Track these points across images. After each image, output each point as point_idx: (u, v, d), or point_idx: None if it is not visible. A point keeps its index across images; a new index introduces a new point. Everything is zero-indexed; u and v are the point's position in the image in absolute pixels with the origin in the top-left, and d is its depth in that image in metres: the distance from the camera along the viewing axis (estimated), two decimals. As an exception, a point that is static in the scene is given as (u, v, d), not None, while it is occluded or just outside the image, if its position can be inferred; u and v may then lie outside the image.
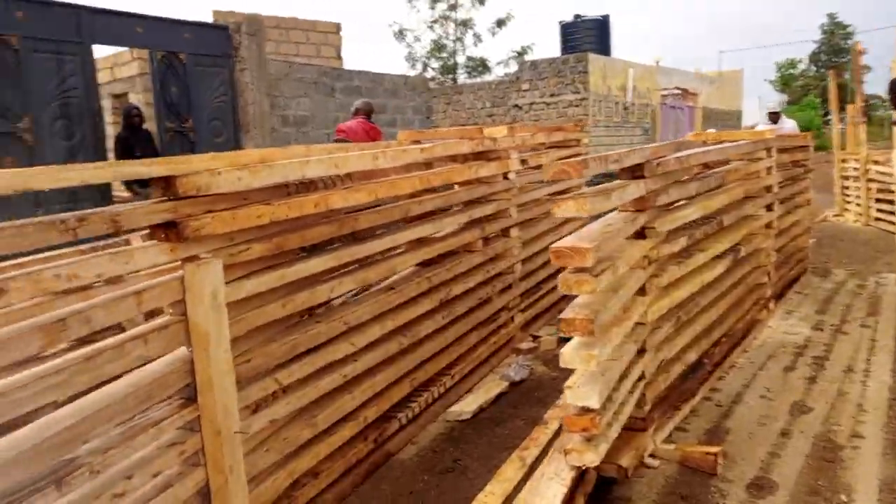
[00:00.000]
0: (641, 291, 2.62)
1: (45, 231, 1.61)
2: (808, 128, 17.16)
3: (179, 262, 1.93)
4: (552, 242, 2.04)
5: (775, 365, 3.80)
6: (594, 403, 2.03)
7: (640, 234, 2.61)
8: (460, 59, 22.94)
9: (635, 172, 2.57)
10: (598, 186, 2.24)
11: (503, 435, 3.11)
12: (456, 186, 3.64)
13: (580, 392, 2.03)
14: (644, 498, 2.52)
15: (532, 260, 4.40)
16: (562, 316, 1.96)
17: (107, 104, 10.57)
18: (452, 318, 3.41)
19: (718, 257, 3.61)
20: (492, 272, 3.79)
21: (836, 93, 10.90)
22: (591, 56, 16.97)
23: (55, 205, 6.38)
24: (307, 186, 2.55)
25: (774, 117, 9.20)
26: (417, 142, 3.76)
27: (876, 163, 8.75)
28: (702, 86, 23.83)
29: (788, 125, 9.18)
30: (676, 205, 3.04)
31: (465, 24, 23.06)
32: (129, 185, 6.94)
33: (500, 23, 23.39)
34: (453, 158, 3.62)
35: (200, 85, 8.39)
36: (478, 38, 22.83)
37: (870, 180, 8.87)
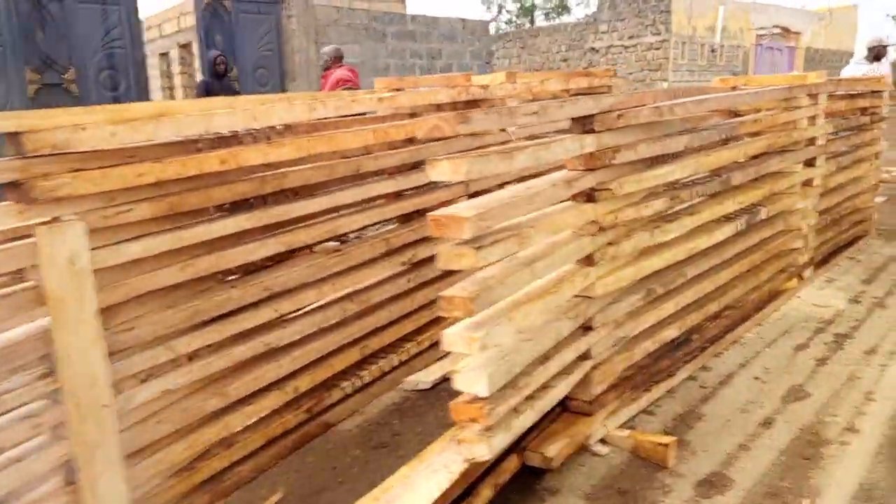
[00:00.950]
0: (589, 261, 2.33)
1: None
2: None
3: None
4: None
5: (787, 342, 3.39)
6: (482, 391, 1.80)
7: (590, 197, 2.29)
8: None
9: (586, 125, 2.25)
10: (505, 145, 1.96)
11: (458, 408, 2.92)
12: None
13: (466, 378, 1.81)
14: (575, 490, 2.28)
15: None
16: (442, 293, 1.73)
17: (174, 54, 10.75)
18: (421, 283, 3.21)
19: (722, 220, 3.21)
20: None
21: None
22: (675, -7, 15.82)
23: None
24: (227, 141, 2.40)
25: (876, 54, 7.39)
26: (399, 90, 3.51)
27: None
28: (807, 24, 21.77)
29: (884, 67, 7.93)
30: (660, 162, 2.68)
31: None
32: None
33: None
34: (439, 108, 3.35)
35: (246, 32, 8.37)
36: (557, -25, 21.73)
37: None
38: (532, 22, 21.50)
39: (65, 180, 1.84)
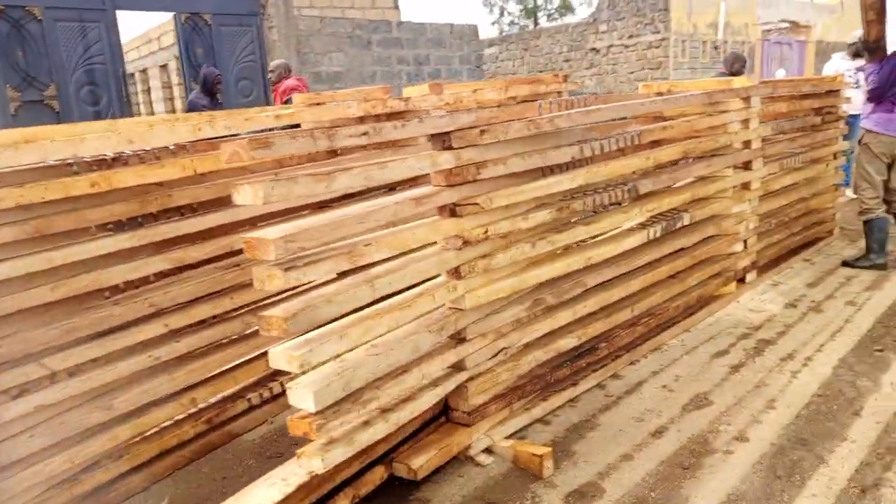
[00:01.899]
0: (456, 274, 2.36)
1: None
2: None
3: None
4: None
5: (708, 349, 3.38)
6: (310, 407, 1.84)
7: (453, 212, 2.32)
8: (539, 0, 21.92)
9: (444, 142, 2.29)
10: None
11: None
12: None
13: (296, 394, 1.85)
14: (445, 501, 2.31)
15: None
16: (260, 313, 1.78)
17: (155, 73, 10.95)
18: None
19: (634, 228, 3.22)
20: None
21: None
22: (674, -9, 15.68)
23: None
24: (109, 163, 2.47)
25: (855, 51, 6.97)
26: (319, 104, 3.56)
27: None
28: (817, 16, 21.42)
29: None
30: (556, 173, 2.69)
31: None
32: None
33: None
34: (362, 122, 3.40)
35: (227, 45, 8.49)
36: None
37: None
38: (536, 23, 21.47)
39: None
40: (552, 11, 22.14)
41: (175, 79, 9.45)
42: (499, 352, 2.57)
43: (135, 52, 11.96)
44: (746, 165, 4.06)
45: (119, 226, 2.50)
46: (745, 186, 4.08)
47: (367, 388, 2.04)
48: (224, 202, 2.85)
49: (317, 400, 1.83)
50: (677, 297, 3.57)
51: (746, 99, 3.93)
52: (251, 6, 8.65)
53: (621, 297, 3.17)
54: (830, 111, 5.05)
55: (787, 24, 20.17)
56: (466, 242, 2.35)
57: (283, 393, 3.04)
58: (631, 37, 16.41)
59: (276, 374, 3.06)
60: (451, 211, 2.32)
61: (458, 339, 2.42)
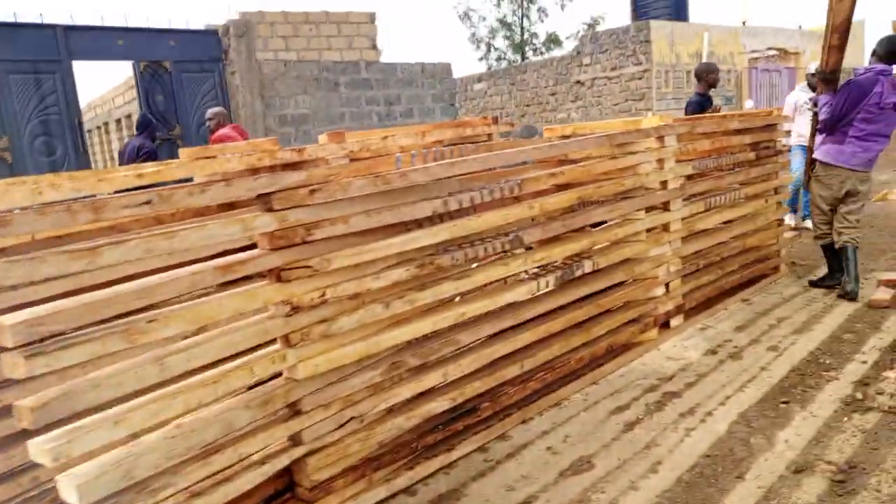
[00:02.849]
0: (286, 342, 2.23)
1: None
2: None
3: None
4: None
5: (610, 403, 3.20)
6: (74, 501, 1.70)
7: (279, 277, 2.20)
8: (525, 35, 22.04)
9: (266, 203, 2.18)
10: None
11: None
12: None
13: (63, 486, 1.71)
14: (272, 589, 2.15)
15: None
16: (16, 403, 1.65)
17: (113, 126, 10.99)
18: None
19: (523, 279, 3.09)
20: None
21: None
22: (654, 23, 15.74)
23: None
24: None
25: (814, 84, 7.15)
26: (210, 157, 3.48)
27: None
28: (806, 43, 21.39)
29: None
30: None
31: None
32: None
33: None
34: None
35: (188, 91, 8.51)
36: (542, 12, 21.80)
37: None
38: (524, 57, 21.58)
39: None
40: (539, 46, 22.30)
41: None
42: (347, 421, 2.42)
43: (104, 105, 12.08)
44: (665, 206, 3.93)
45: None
46: (665, 228, 3.94)
47: (161, 474, 1.90)
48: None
49: (81, 494, 1.69)
50: (581, 349, 3.41)
51: (660, 139, 3.81)
52: (212, 52, 8.70)
53: (507, 353, 3.02)
54: (768, 146, 4.92)
55: (775, 52, 20.17)
56: (297, 308, 2.22)
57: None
58: (614, 69, 16.43)
59: None
60: (278, 276, 2.20)
61: (294, 411, 2.28)
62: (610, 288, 3.61)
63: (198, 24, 9.15)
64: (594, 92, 17.13)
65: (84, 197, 2.78)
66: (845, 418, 2.87)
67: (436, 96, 11.37)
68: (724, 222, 4.56)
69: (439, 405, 2.72)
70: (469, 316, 2.81)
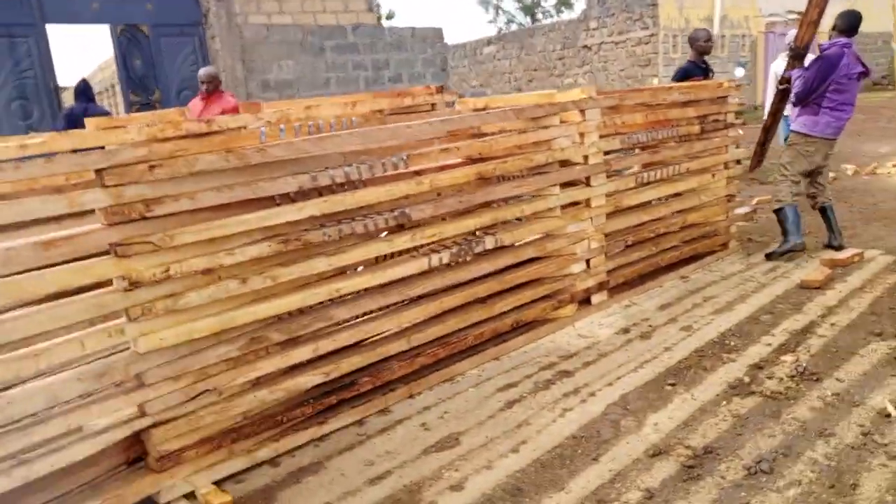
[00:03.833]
0: (126, 316, 2.26)
1: None
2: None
3: None
4: None
5: (499, 381, 3.20)
6: None
7: (115, 252, 2.22)
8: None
9: (102, 179, 2.19)
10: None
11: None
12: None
13: None
14: (107, 555, 2.21)
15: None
16: None
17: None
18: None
19: (411, 255, 3.08)
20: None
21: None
22: (662, -15, 15.26)
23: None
24: None
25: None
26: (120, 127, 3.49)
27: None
28: (829, 5, 20.55)
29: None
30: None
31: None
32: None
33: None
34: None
35: (167, 56, 8.51)
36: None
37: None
38: (534, 20, 21.14)
39: None
40: (548, 9, 21.82)
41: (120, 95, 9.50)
42: (200, 394, 2.45)
43: (108, 68, 12.14)
44: (587, 181, 3.87)
45: None
46: (587, 204, 3.88)
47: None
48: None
49: None
50: (482, 324, 3.40)
51: (582, 112, 3.72)
52: (192, 16, 8.66)
53: (394, 330, 3.02)
54: (717, 119, 4.79)
55: (795, 16, 19.46)
56: (136, 283, 2.25)
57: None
58: (621, 33, 16.04)
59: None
60: (115, 251, 2.22)
61: (139, 383, 2.32)
62: (521, 264, 3.58)
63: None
64: (601, 57, 16.78)
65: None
66: (724, 402, 2.84)
67: (426, 61, 11.22)
68: (662, 198, 4.48)
69: (309, 379, 2.75)
70: (346, 291, 2.82)
